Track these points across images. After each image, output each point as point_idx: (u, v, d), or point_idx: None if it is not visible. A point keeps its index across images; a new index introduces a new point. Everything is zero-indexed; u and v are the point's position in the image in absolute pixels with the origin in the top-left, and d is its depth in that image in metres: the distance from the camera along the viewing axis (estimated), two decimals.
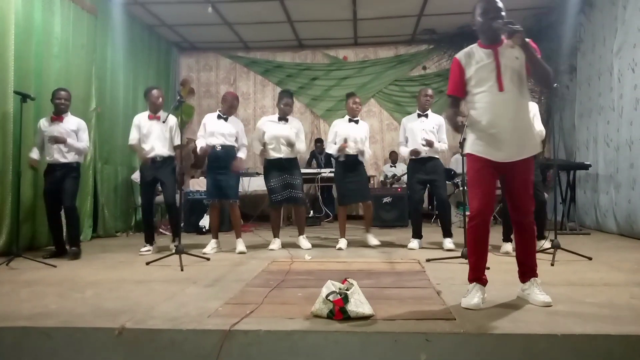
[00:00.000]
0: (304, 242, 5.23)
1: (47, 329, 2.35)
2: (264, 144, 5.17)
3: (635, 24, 5.68)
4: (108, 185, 6.89)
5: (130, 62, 7.59)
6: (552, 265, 3.91)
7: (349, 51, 9.62)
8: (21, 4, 5.17)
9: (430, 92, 5.22)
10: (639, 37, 5.62)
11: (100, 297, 3.02)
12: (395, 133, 9.29)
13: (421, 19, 8.18)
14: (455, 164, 8.21)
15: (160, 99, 5.12)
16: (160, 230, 6.88)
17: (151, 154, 5.01)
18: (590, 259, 4.14)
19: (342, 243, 5.20)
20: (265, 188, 5.46)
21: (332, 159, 5.43)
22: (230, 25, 8.38)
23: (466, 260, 3.71)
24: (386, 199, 7.61)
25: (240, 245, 4.97)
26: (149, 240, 5.09)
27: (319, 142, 9.12)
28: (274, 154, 5.18)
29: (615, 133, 6.16)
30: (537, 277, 2.72)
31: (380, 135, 9.66)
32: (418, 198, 5.24)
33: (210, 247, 5.00)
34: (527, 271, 2.74)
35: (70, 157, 4.76)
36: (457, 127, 2.77)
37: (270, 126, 5.20)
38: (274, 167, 5.20)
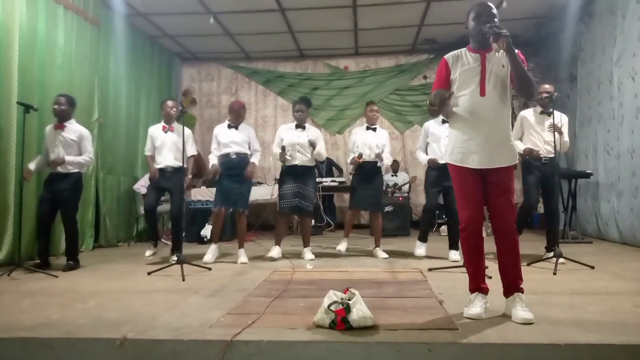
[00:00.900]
0: (308, 254, 5.15)
1: (48, 340, 2.34)
2: (283, 148, 5.13)
3: (635, 33, 5.71)
4: (110, 195, 6.90)
5: (133, 72, 7.64)
6: (555, 274, 3.90)
7: (350, 61, 9.67)
8: (25, 15, 5.22)
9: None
10: (638, 46, 5.64)
11: (102, 307, 3.01)
12: (397, 142, 9.32)
13: (422, 29, 8.22)
14: None
15: (175, 110, 5.16)
16: (162, 239, 6.88)
17: (162, 165, 5.05)
18: (592, 267, 4.13)
19: (343, 245, 5.19)
20: (266, 197, 5.46)
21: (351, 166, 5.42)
22: (232, 35, 8.43)
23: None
24: (388, 208, 7.60)
25: (243, 257, 4.96)
26: (153, 240, 5.16)
27: None
28: (290, 161, 5.17)
29: (615, 141, 6.17)
30: (521, 292, 2.64)
31: None
32: (434, 202, 5.08)
33: (211, 253, 4.98)
34: (510, 284, 2.67)
35: (72, 168, 4.72)
36: (442, 99, 2.68)
37: (287, 133, 5.19)
38: (289, 174, 5.18)
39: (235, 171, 4.99)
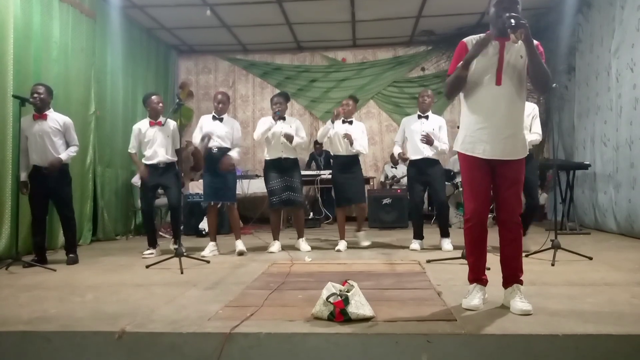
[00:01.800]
0: (303, 245, 5.22)
1: (47, 333, 2.34)
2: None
3: (633, 24, 5.69)
4: (108, 188, 6.89)
5: (129, 65, 7.60)
6: (553, 265, 3.91)
7: (348, 53, 9.63)
8: (20, 8, 5.17)
9: (430, 92, 5.23)
10: (636, 37, 5.62)
11: (100, 300, 3.01)
12: (395, 134, 9.27)
13: (419, 21, 8.19)
14: (453, 164, 8.21)
15: (161, 104, 5.13)
16: (160, 233, 6.87)
17: (154, 161, 5.01)
18: (590, 258, 4.14)
19: (342, 245, 5.20)
20: (264, 190, 5.46)
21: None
22: (229, 27, 8.38)
23: (466, 261, 3.77)
24: (386, 200, 7.60)
25: (240, 245, 4.97)
26: (152, 244, 5.10)
27: (318, 144, 9.11)
28: (274, 154, 5.17)
29: (614, 133, 6.16)
30: (521, 284, 2.64)
31: (379, 137, 9.66)
32: (418, 199, 5.25)
33: (209, 250, 4.99)
34: (509, 275, 2.67)
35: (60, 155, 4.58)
36: (460, 72, 2.61)
37: (268, 124, 5.17)
38: (274, 168, 5.19)
39: (218, 165, 4.96)
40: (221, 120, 5.09)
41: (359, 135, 5.25)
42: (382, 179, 9.04)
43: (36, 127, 4.53)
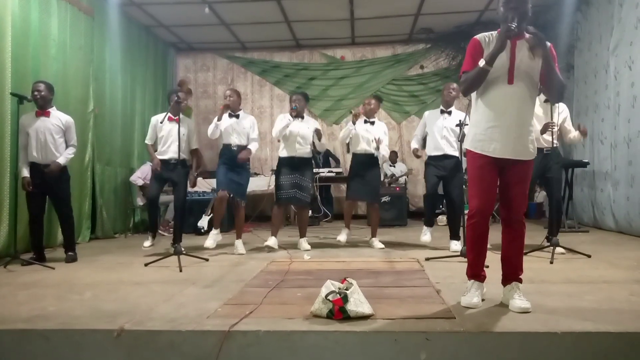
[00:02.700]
0: (304, 244, 5.19)
1: (45, 331, 2.34)
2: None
3: (632, 22, 5.69)
4: (107, 186, 6.88)
5: (128, 63, 7.58)
6: (552, 263, 3.91)
7: (347, 51, 9.61)
8: (18, 6, 5.15)
9: (455, 86, 4.91)
10: (635, 35, 5.62)
11: (99, 298, 3.01)
12: (394, 132, 9.28)
13: (418, 18, 8.17)
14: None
15: (185, 102, 5.14)
16: (160, 231, 6.86)
17: (166, 156, 5.01)
18: (589, 256, 4.14)
19: (343, 236, 5.20)
20: (263, 188, 5.46)
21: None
22: (228, 25, 8.36)
23: (465, 259, 3.76)
24: (385, 199, 7.60)
25: (240, 248, 4.96)
26: (152, 231, 5.15)
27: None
28: (288, 152, 5.16)
29: (611, 130, 6.17)
30: (520, 282, 2.65)
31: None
32: (432, 190, 5.01)
33: (212, 238, 4.92)
34: (509, 273, 2.68)
35: (58, 157, 4.57)
36: (485, 67, 2.55)
37: (286, 122, 5.12)
38: (287, 165, 5.16)
39: (236, 161, 4.96)
40: (237, 117, 5.06)
41: (382, 136, 5.22)
42: (382, 178, 9.03)
43: (38, 123, 4.53)
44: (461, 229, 4.73)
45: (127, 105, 7.55)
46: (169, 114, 5.05)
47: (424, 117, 5.16)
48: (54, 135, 4.56)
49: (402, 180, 8.39)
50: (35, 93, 4.50)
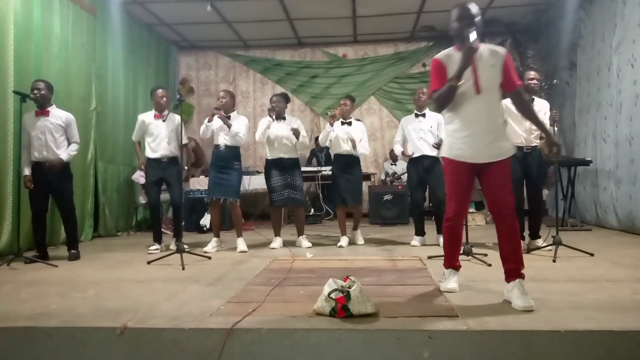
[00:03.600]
0: (304, 242, 5.24)
1: (48, 329, 2.34)
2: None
3: (635, 19, 5.67)
4: (110, 185, 6.89)
5: (130, 61, 7.59)
6: (554, 261, 3.90)
7: (349, 49, 9.60)
8: (20, 4, 5.16)
9: (424, 89, 5.17)
10: (638, 33, 5.60)
11: (102, 296, 3.01)
12: (396, 131, 9.24)
13: (420, 16, 8.16)
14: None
15: (165, 99, 5.13)
16: (162, 229, 6.86)
17: (158, 154, 5.01)
18: (592, 255, 4.14)
19: (344, 241, 5.21)
20: (265, 186, 5.47)
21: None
22: (230, 23, 8.36)
23: (467, 257, 3.86)
24: (387, 197, 7.60)
25: (242, 245, 4.97)
26: (157, 239, 5.11)
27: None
28: (276, 154, 5.19)
29: (614, 129, 6.15)
30: (522, 278, 2.66)
31: (380, 133, 9.64)
32: (418, 197, 5.27)
33: (211, 246, 5.00)
34: (511, 269, 2.69)
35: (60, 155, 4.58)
36: (452, 90, 2.70)
37: (267, 123, 5.18)
38: (275, 167, 5.21)
39: (224, 162, 5.00)
40: (229, 118, 5.05)
41: (360, 135, 5.27)
42: (383, 177, 9.03)
43: (38, 123, 4.53)
44: None
45: (129, 103, 7.55)
46: (155, 112, 5.07)
47: (401, 123, 5.41)
48: (55, 134, 4.56)
49: (403, 178, 8.38)
50: (35, 91, 4.50)
